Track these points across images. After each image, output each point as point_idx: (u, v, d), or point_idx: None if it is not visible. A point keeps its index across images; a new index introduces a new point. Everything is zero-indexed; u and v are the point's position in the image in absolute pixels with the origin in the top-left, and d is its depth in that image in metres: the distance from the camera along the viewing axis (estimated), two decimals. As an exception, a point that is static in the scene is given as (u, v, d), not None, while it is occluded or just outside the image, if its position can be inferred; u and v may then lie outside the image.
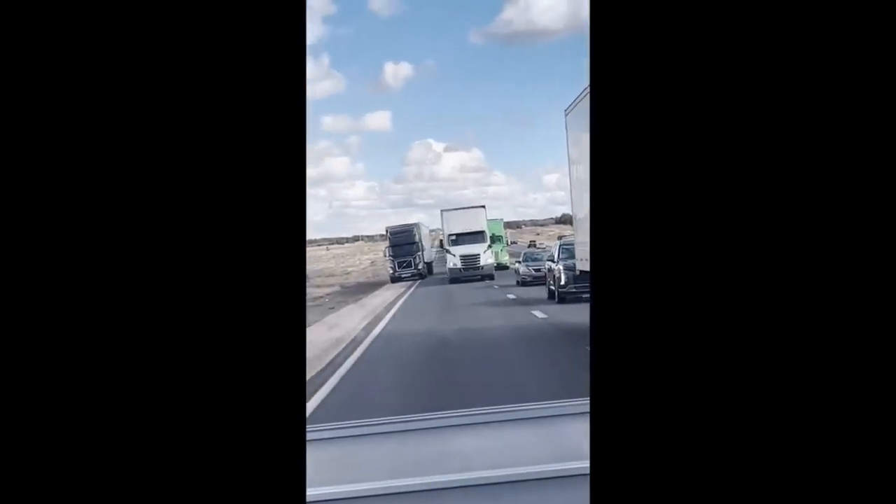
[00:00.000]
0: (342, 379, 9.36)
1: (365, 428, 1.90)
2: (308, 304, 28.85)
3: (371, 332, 14.85)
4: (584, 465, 1.03)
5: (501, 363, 9.79)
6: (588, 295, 10.25)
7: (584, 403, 1.72)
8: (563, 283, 17.47)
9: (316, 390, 8.50)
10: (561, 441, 1.72)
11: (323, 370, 9.99)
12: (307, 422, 1.27)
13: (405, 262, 40.69)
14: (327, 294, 31.73)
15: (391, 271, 41.04)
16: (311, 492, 1.19)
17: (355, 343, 12.94)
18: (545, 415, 1.87)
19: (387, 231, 43.91)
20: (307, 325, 14.96)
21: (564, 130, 15.34)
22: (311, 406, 7.69)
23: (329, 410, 7.43)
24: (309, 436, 1.65)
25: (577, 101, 14.11)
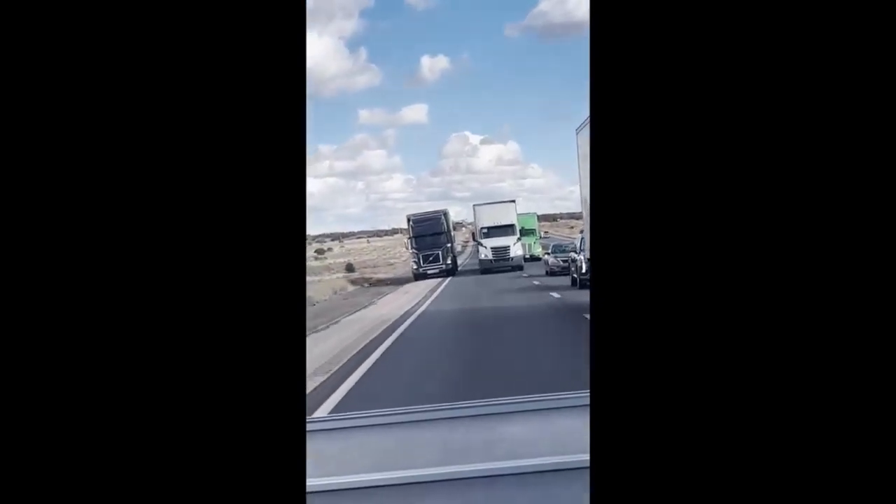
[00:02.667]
0: (428, 305, 19.77)
1: (364, 419, 1.93)
2: (377, 284, 34.01)
3: (434, 293, 25.19)
4: (585, 457, 1.03)
5: (511, 294, 19.17)
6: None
7: (584, 396, 1.70)
8: (583, 271, 19.89)
9: (418, 307, 18.99)
10: (562, 433, 1.74)
11: (418, 303, 20.30)
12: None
13: (431, 255, 36.03)
14: (387, 278, 40.70)
15: (414, 267, 36.32)
16: (311, 482, 1.19)
17: (425, 298, 23.02)
18: (546, 407, 1.90)
19: (409, 220, 38.36)
20: (391, 292, 27.56)
21: (576, 147, 17.28)
22: (419, 311, 18.07)
23: (423, 319, 16.85)
24: (309, 427, 1.66)
25: (586, 121, 15.47)
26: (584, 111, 17.25)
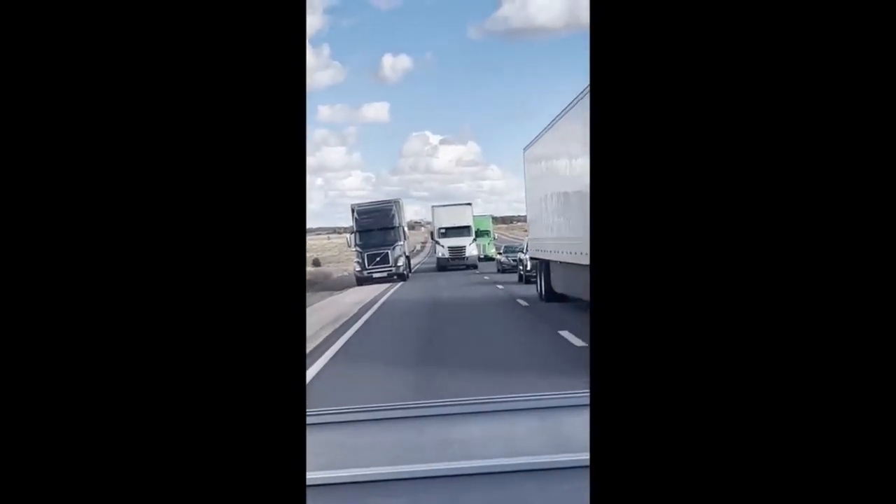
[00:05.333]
0: (403, 284, 26.48)
1: (365, 414, 1.95)
2: (349, 278, 41.23)
3: (397, 284, 31.13)
4: (585, 456, 1.03)
5: (463, 287, 25.44)
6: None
7: (585, 395, 1.67)
8: (528, 268, 23.14)
9: (385, 293, 24.40)
10: (563, 432, 1.78)
11: (385, 291, 25.65)
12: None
13: (378, 255, 30.39)
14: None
15: (357, 268, 30.86)
16: (311, 475, 1.20)
17: (393, 286, 28.86)
18: (547, 405, 1.92)
19: (353, 210, 32.27)
20: (366, 284, 35.17)
21: (523, 163, 19.64)
22: (385, 296, 24.18)
23: (401, 291, 23.85)
24: (309, 420, 1.69)
25: (534, 140, 17.74)
26: (546, 115, 18.47)
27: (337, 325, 14.91)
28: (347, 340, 12.51)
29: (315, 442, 1.56)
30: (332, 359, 10.41)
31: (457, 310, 17.34)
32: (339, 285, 30.87)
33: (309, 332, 13.12)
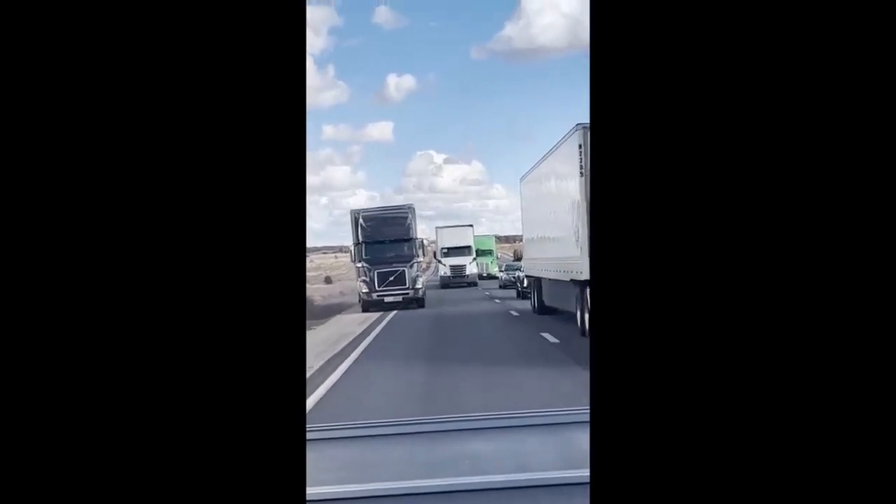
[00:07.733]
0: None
1: (368, 429, 1.97)
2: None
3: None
4: (585, 473, 1.04)
5: (463, 302, 28.40)
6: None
7: (586, 412, 1.64)
8: (525, 285, 24.97)
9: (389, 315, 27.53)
10: (568, 448, 1.79)
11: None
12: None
13: (392, 273, 23.69)
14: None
15: (364, 289, 24.11)
16: (311, 491, 1.20)
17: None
18: (554, 422, 1.93)
19: (355, 218, 24.43)
20: (374, 310, 40.47)
21: (519, 191, 21.21)
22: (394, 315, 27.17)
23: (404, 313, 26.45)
24: (310, 435, 1.70)
25: (528, 172, 19.02)
26: (549, 134, 20.69)
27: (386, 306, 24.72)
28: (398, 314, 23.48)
29: (322, 458, 1.63)
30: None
31: (458, 310, 24.50)
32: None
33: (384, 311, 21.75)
